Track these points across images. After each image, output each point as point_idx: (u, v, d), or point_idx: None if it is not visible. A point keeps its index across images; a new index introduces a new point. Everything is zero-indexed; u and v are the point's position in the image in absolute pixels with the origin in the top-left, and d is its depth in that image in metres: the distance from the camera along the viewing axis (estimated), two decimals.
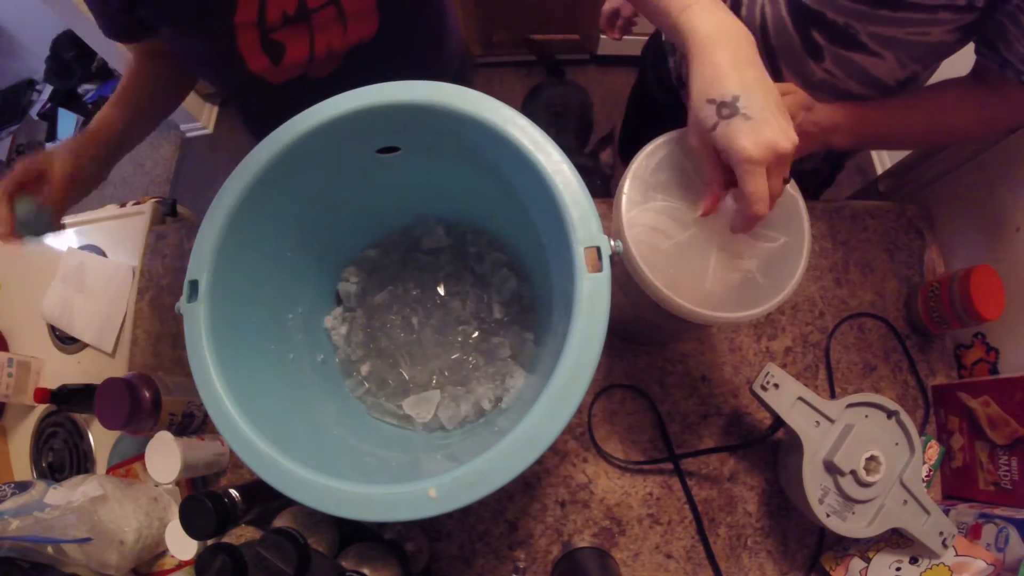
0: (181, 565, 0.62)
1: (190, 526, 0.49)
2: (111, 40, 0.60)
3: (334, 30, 0.59)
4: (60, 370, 0.80)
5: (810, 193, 0.89)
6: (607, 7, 0.93)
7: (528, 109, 1.25)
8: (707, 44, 0.43)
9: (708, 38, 0.43)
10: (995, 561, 0.51)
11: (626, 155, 1.18)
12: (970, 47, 0.55)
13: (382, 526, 0.56)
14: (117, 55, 1.70)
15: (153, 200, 0.89)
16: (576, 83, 1.32)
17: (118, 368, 0.77)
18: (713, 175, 0.44)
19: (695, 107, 0.42)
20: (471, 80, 0.93)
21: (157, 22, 0.56)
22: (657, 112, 0.92)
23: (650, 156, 0.49)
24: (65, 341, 0.81)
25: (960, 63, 0.58)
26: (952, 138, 0.69)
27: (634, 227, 0.46)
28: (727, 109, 0.40)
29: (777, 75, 0.63)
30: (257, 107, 0.73)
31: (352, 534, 0.53)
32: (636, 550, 0.63)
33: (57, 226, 0.58)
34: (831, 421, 0.55)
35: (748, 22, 0.62)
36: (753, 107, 0.40)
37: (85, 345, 0.80)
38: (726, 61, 0.41)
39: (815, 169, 0.82)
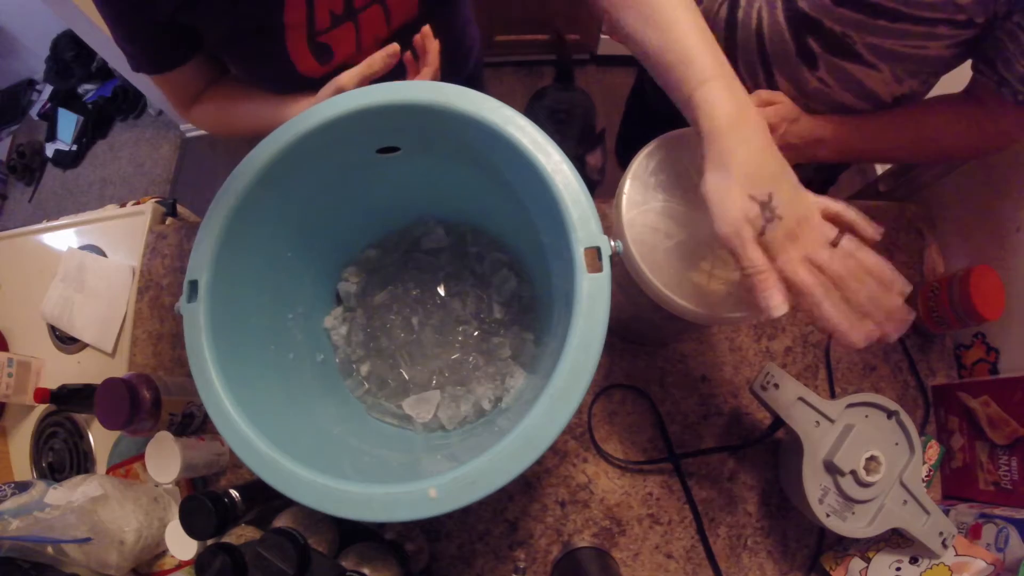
0: (181, 565, 0.62)
1: (190, 526, 0.49)
2: (138, 72, 0.59)
3: (379, 23, 0.59)
4: (60, 370, 0.80)
5: None
6: None
7: (532, 111, 1.25)
8: (731, 130, 0.40)
9: (731, 123, 0.40)
10: (995, 561, 0.51)
11: (623, 157, 1.18)
12: (968, 64, 0.55)
13: (382, 526, 0.56)
14: (117, 55, 1.69)
15: (153, 200, 0.89)
16: (582, 89, 1.32)
17: (118, 368, 0.77)
18: (760, 258, 0.39)
19: (734, 197, 0.39)
20: (482, 77, 0.93)
21: (205, 27, 0.54)
22: (653, 115, 0.92)
23: (650, 156, 0.49)
24: (65, 341, 0.81)
25: (960, 79, 0.58)
26: (941, 157, 0.68)
27: (634, 227, 0.46)
28: (767, 211, 0.38)
29: (771, 82, 0.63)
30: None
31: (352, 534, 0.53)
32: (636, 550, 0.63)
33: None
34: (831, 421, 0.55)
35: (744, 26, 0.62)
36: (783, 205, 0.39)
37: (85, 345, 0.80)
38: (755, 153, 0.40)
39: (807, 180, 0.82)
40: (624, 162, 1.20)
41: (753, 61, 0.63)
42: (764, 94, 0.56)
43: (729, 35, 0.64)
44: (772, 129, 0.55)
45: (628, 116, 1.09)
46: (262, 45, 0.56)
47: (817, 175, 0.81)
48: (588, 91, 1.28)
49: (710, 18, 0.65)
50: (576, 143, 1.18)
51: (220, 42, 0.57)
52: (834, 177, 0.87)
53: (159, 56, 0.58)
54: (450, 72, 0.59)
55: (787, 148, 0.55)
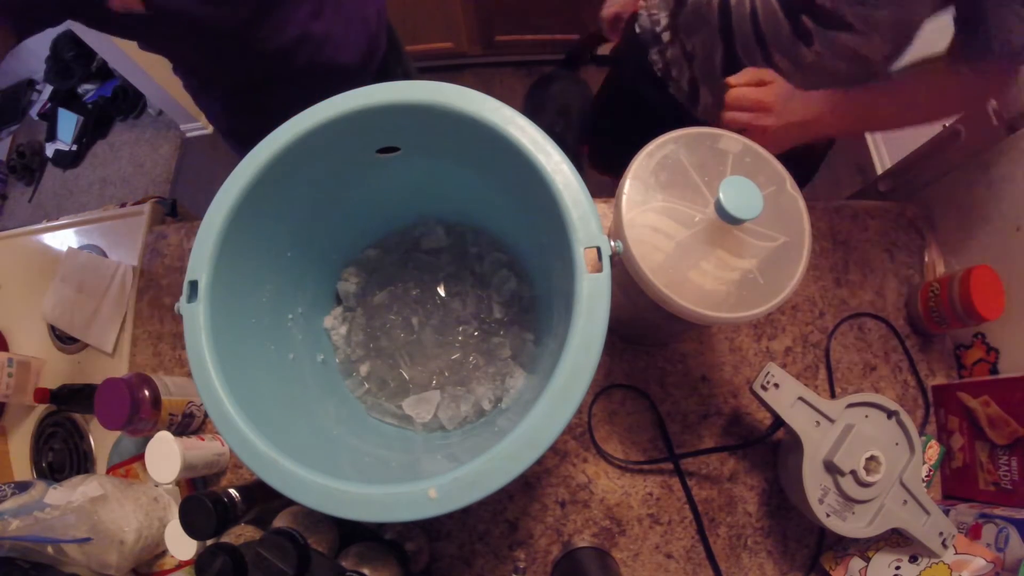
0: (181, 565, 0.62)
1: (190, 526, 0.49)
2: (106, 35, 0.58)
3: None
4: (60, 370, 0.80)
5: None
6: (609, 13, 0.92)
7: (537, 98, 1.26)
8: None
9: None
10: (995, 559, 0.51)
11: (601, 164, 1.17)
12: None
13: (382, 526, 0.56)
14: (117, 55, 1.70)
15: (153, 200, 0.89)
16: (582, 78, 1.33)
17: (118, 368, 0.77)
18: None
19: None
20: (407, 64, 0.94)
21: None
22: (639, 111, 0.92)
23: (650, 156, 0.49)
24: (65, 341, 0.81)
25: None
26: (935, 115, 0.70)
27: (634, 227, 0.46)
28: None
29: (769, 61, 0.64)
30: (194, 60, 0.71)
31: (352, 534, 0.53)
32: (636, 550, 0.63)
33: None
34: (831, 421, 0.55)
35: (737, 11, 0.63)
36: None
37: (85, 345, 0.80)
38: None
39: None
40: (599, 169, 1.19)
41: (750, 43, 0.64)
42: (754, 73, 0.57)
43: (724, 21, 0.65)
44: (768, 108, 0.56)
45: (601, 121, 1.08)
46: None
47: (798, 169, 0.82)
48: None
49: (702, 5, 0.66)
50: (580, 133, 1.18)
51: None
52: (811, 174, 0.88)
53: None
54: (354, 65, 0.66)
55: (788, 128, 0.56)
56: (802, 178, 0.87)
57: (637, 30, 0.81)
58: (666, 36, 0.76)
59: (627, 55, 0.88)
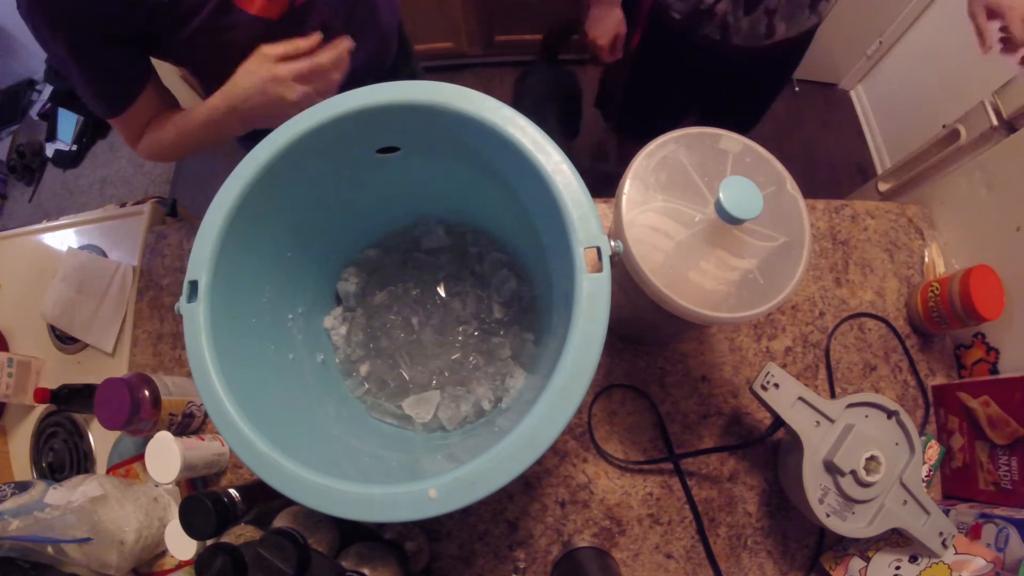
0: (181, 565, 0.62)
1: (190, 526, 0.49)
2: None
3: None
4: (60, 370, 0.80)
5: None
6: (607, 40, 0.91)
7: (516, 93, 1.26)
8: None
9: None
10: (995, 559, 0.51)
11: (639, 130, 1.16)
12: None
13: (382, 526, 0.56)
14: None
15: (153, 200, 0.89)
16: (565, 68, 1.31)
17: (118, 368, 0.77)
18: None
19: None
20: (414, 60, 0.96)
21: (168, 26, 0.57)
22: (679, 76, 0.93)
23: (650, 156, 0.49)
24: (65, 341, 0.81)
25: None
26: None
27: (634, 227, 0.46)
28: None
29: None
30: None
31: (352, 534, 0.53)
32: (636, 550, 0.63)
33: None
34: (831, 421, 0.55)
35: None
36: None
37: (85, 345, 0.80)
38: None
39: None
40: (633, 132, 1.19)
41: None
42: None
43: None
44: None
45: (637, 78, 1.04)
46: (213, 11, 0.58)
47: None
48: (575, 74, 1.28)
49: None
50: (557, 123, 1.19)
51: (176, 26, 0.59)
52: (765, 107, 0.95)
53: (121, 89, 0.61)
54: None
55: None
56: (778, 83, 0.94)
57: (676, 16, 0.83)
58: (723, 7, 0.78)
59: (663, 41, 0.90)
